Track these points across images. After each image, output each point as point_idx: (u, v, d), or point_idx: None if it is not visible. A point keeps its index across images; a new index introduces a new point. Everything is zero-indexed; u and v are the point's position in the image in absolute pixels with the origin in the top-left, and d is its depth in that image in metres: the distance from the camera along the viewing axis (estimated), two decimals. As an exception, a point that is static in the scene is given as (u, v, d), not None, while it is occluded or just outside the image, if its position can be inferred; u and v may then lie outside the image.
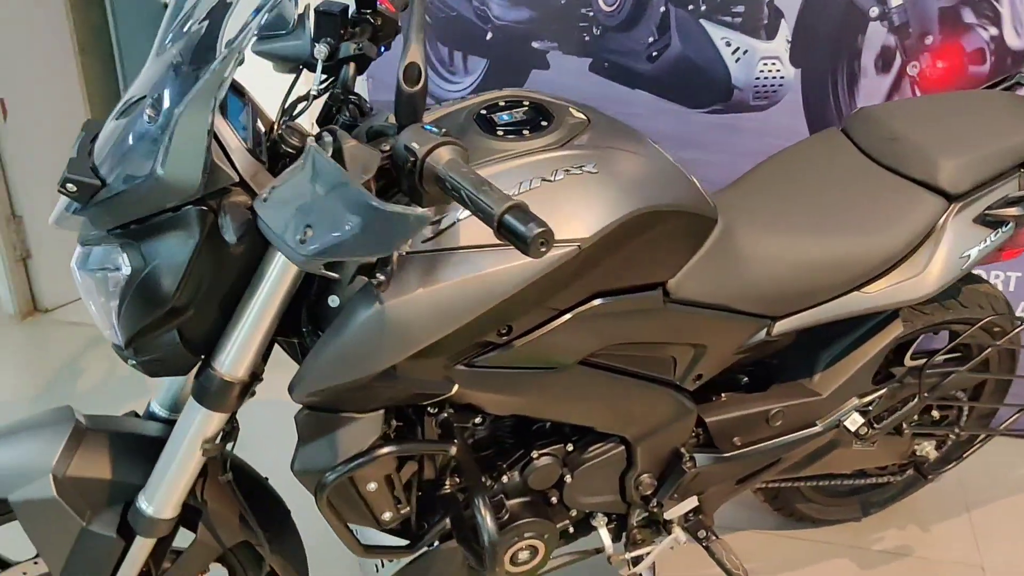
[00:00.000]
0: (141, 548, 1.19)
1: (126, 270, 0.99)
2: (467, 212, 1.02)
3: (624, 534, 1.49)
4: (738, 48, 2.08)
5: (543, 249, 0.82)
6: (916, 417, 1.62)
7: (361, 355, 1.04)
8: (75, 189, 0.95)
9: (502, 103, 1.18)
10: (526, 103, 1.18)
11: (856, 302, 1.37)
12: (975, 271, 1.56)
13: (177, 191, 0.95)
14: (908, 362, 1.57)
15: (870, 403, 1.50)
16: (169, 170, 0.93)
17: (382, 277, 0.99)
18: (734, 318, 1.32)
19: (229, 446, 1.15)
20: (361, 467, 1.13)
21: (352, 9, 1.21)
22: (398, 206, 0.86)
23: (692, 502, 1.47)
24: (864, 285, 1.36)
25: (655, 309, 1.24)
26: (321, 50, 1.13)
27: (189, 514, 1.22)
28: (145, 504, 1.16)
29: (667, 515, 1.47)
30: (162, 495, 1.15)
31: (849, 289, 1.36)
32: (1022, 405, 1.75)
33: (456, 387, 1.16)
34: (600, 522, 1.47)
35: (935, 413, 1.71)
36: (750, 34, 2.06)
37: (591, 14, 2.14)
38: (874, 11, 1.97)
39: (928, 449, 1.70)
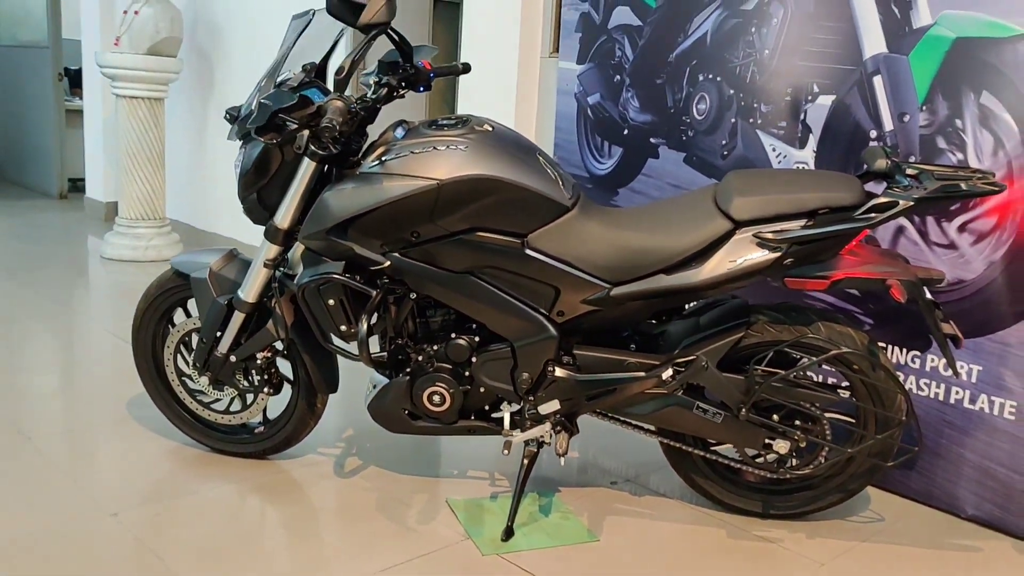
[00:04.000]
0: (237, 318, 2.31)
1: (239, 158, 2.15)
2: (392, 155, 2.01)
3: (519, 422, 2.25)
4: (780, 153, 2.72)
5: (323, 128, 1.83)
6: (752, 408, 2.13)
7: (317, 217, 2.07)
8: (228, 116, 2.14)
9: (453, 118, 2.14)
10: (465, 119, 2.12)
11: (661, 281, 2.03)
12: (850, 315, 2.06)
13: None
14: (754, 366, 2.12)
15: (684, 364, 2.10)
16: (245, 111, 2.07)
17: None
18: (577, 274, 2.07)
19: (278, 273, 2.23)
20: (322, 285, 2.12)
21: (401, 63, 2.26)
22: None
23: (555, 404, 2.19)
24: (669, 270, 2.03)
25: (516, 250, 2.06)
26: (370, 81, 2.19)
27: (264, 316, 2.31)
28: (241, 293, 2.28)
29: (541, 410, 2.20)
30: (247, 288, 2.27)
31: (657, 270, 2.04)
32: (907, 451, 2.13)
33: (388, 263, 2.10)
34: (506, 408, 2.26)
35: (798, 423, 2.18)
36: (788, 143, 2.70)
37: (688, 120, 2.94)
38: (873, 133, 2.50)
39: (781, 446, 2.17)
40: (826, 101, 2.60)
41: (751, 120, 2.78)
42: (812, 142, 2.65)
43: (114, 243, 5.06)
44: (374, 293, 2.13)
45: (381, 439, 2.71)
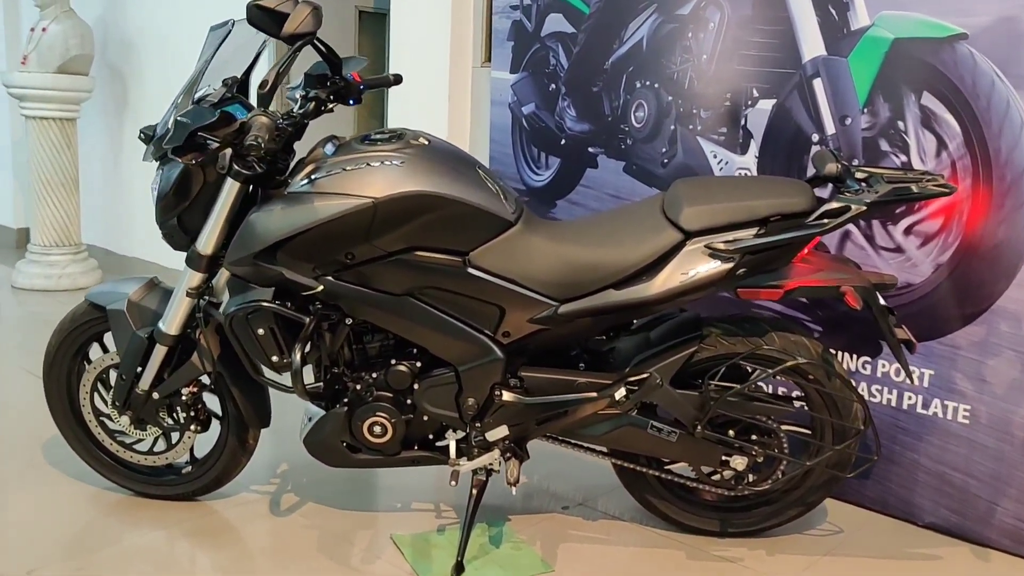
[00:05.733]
0: (158, 351, 2.14)
1: (156, 181, 1.99)
2: (323, 173, 1.88)
3: (466, 450, 2.13)
4: (721, 160, 2.66)
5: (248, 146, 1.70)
6: (707, 425, 2.05)
7: (243, 241, 1.92)
8: (142, 136, 1.98)
9: (386, 132, 2.02)
10: (400, 133, 2.00)
11: (611, 296, 1.94)
12: (802, 323, 2.00)
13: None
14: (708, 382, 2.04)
15: (636, 383, 2.01)
16: (161, 130, 1.92)
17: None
18: (522, 292, 1.97)
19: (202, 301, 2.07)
20: (252, 313, 1.97)
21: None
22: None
23: (504, 430, 2.08)
24: (617, 285, 1.94)
25: (457, 268, 1.95)
26: (296, 96, 2.06)
27: (189, 347, 2.15)
28: (162, 325, 2.12)
29: (489, 437, 2.09)
30: (169, 319, 2.11)
31: (606, 286, 1.95)
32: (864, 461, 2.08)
33: (321, 287, 1.97)
34: (451, 436, 2.14)
35: (755, 437, 2.10)
36: (729, 150, 2.64)
37: (627, 128, 2.87)
38: (815, 137, 2.46)
39: (738, 463, 2.10)
40: (766, 106, 2.55)
41: (691, 127, 2.72)
42: (754, 147, 2.60)
43: (26, 271, 4.78)
44: (307, 320, 1.99)
45: (318, 473, 2.56)
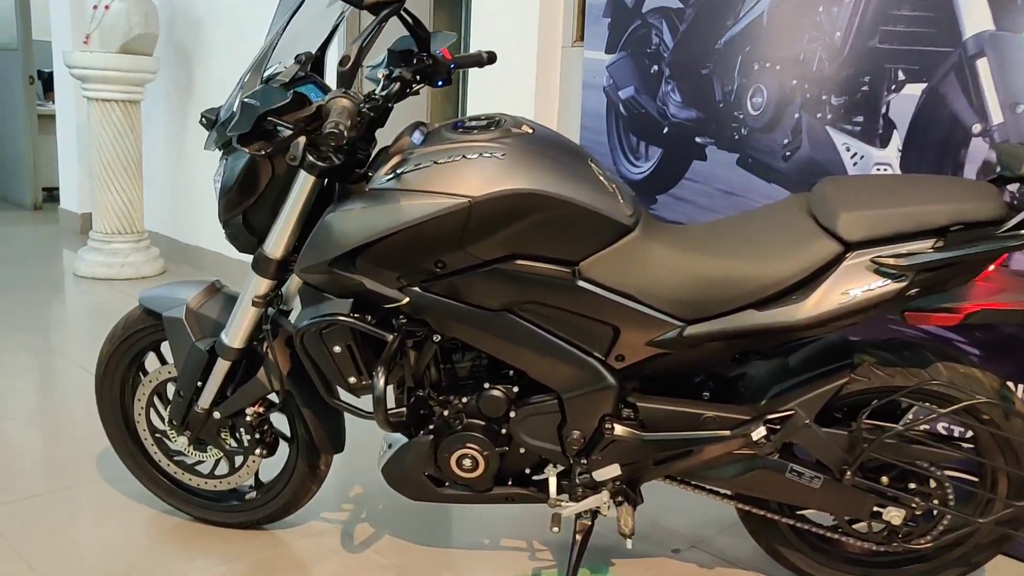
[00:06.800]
0: (220, 366, 1.89)
1: (220, 171, 1.73)
2: (411, 167, 1.60)
3: (568, 487, 1.84)
4: (856, 153, 2.32)
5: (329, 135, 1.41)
6: (860, 470, 1.73)
7: (319, 246, 1.65)
8: (204, 121, 1.72)
9: (482, 119, 1.72)
10: (498, 119, 1.71)
11: (750, 318, 1.62)
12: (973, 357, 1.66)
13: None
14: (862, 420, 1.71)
15: (778, 420, 1.69)
16: (225, 114, 1.65)
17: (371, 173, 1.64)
18: (641, 309, 1.66)
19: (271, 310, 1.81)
20: (327, 328, 1.71)
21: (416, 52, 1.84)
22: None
23: (615, 469, 1.78)
24: (759, 305, 1.62)
25: (565, 280, 1.65)
26: (378, 75, 1.78)
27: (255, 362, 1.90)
28: (225, 336, 1.86)
29: (597, 476, 1.80)
30: (233, 331, 1.85)
31: (745, 305, 1.63)
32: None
33: (407, 299, 1.69)
34: (551, 472, 1.85)
35: (912, 485, 1.77)
36: (867, 141, 2.29)
37: (741, 116, 2.53)
38: (976, 127, 2.10)
39: (893, 515, 1.77)
40: (914, 91, 2.19)
41: (819, 115, 2.37)
42: (896, 140, 2.24)
43: (88, 259, 4.63)
44: (390, 337, 1.72)
45: (393, 499, 2.30)
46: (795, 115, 2.42)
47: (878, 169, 2.28)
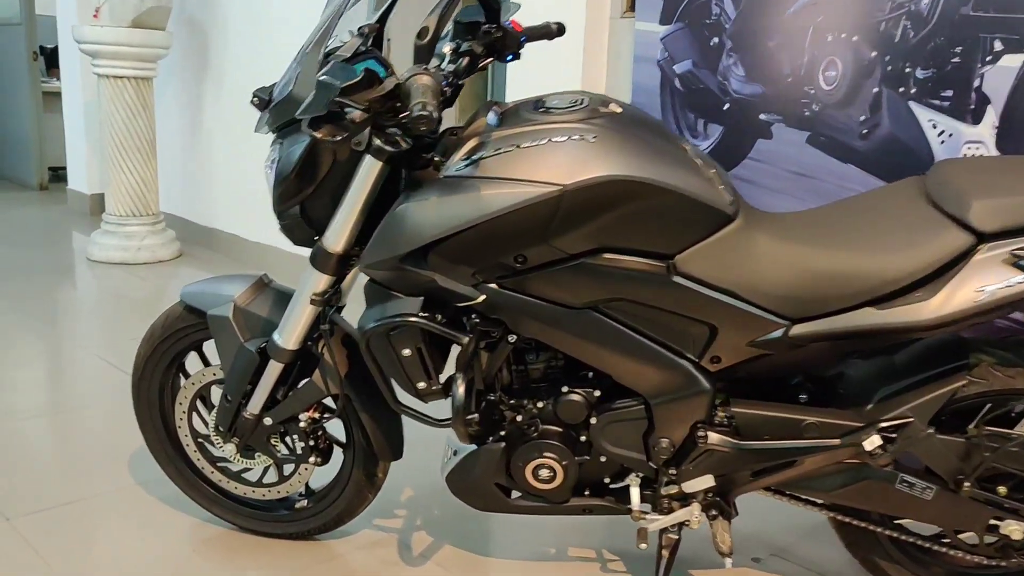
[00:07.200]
0: (272, 369, 1.73)
1: (275, 156, 1.56)
2: (490, 151, 1.44)
3: (652, 498, 1.69)
4: (944, 131, 2.15)
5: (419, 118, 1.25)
6: (978, 481, 1.58)
7: (389, 239, 1.49)
8: (256, 100, 1.55)
9: (564, 97, 1.56)
10: (581, 98, 1.54)
11: (868, 316, 1.47)
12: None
13: (299, 104, 1.49)
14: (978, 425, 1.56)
15: (894, 428, 1.54)
16: (296, 90, 1.48)
17: (438, 158, 1.47)
18: (742, 306, 1.51)
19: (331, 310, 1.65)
20: (395, 330, 1.55)
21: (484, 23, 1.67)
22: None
23: (708, 480, 1.63)
24: (878, 302, 1.47)
25: (660, 276, 1.50)
26: (444, 49, 1.61)
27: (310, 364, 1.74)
28: (277, 337, 1.70)
29: (686, 488, 1.65)
30: (287, 331, 1.69)
31: (861, 303, 1.47)
32: None
33: (482, 297, 1.53)
34: (633, 481, 1.70)
35: (1030, 494, 1.63)
36: (956, 118, 2.13)
37: (812, 91, 2.36)
38: (1083, 102, 1.94)
39: (1013, 529, 1.62)
40: (1013, 62, 2.02)
41: (900, 89, 2.20)
42: (991, 116, 2.07)
43: (102, 243, 4.46)
44: (465, 339, 1.56)
45: (451, 505, 2.16)
46: (874, 89, 2.25)
47: (969, 147, 2.12)
